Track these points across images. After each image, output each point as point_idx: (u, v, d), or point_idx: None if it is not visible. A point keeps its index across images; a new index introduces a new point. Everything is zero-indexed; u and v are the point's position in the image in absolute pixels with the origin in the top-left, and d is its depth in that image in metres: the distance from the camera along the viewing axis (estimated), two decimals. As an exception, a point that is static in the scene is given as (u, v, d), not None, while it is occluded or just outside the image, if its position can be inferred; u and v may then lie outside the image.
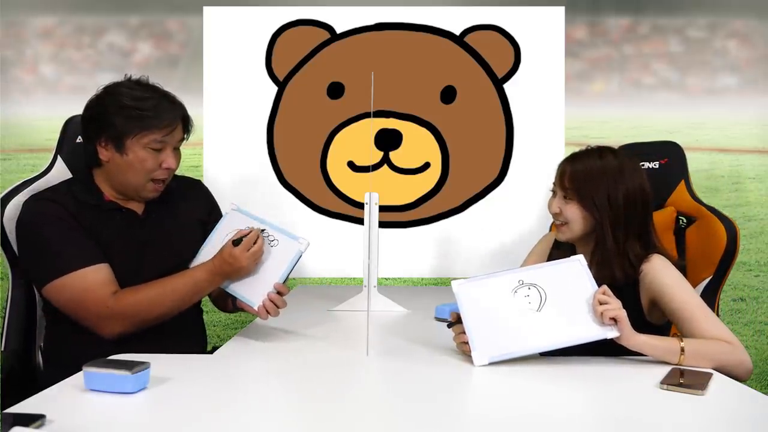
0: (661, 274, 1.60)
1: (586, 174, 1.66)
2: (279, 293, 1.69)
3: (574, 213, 1.67)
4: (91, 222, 1.72)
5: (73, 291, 1.66)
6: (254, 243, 1.69)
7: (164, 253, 1.79)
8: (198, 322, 1.94)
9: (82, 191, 1.76)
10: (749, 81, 3.20)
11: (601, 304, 1.46)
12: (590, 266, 1.58)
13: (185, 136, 1.81)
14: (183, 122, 1.79)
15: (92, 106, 1.75)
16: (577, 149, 1.75)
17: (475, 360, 1.46)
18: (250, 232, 1.70)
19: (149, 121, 1.71)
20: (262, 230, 1.73)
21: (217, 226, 1.84)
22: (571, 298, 1.51)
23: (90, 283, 1.66)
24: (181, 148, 1.81)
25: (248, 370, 1.52)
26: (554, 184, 1.74)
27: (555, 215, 1.72)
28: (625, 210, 1.63)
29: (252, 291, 1.72)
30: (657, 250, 1.65)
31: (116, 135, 1.71)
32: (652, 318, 1.65)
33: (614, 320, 1.45)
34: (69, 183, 1.81)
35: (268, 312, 1.69)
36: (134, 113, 1.71)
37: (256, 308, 1.70)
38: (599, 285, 1.51)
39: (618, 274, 1.62)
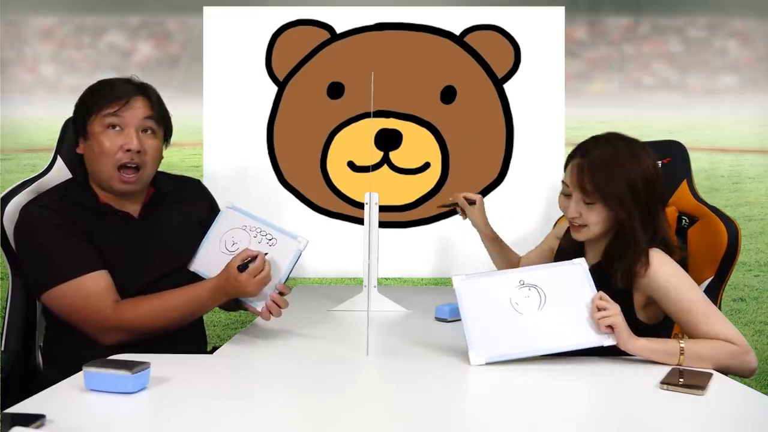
0: (660, 273, 1.53)
1: (603, 169, 1.55)
2: (281, 293, 1.69)
3: (598, 216, 1.58)
4: (87, 226, 1.71)
5: (72, 299, 1.65)
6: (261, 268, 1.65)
7: (162, 256, 1.78)
8: (198, 322, 1.93)
9: (78, 194, 1.75)
10: (749, 81, 3.20)
11: (599, 309, 1.45)
12: (602, 262, 1.55)
13: (154, 119, 1.75)
14: (146, 100, 1.74)
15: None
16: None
17: (471, 359, 1.46)
18: (256, 256, 1.65)
19: (100, 97, 1.71)
20: (260, 231, 1.73)
21: (212, 225, 1.83)
22: (571, 302, 1.51)
23: (88, 291, 1.65)
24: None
25: (248, 370, 1.52)
26: (566, 183, 1.62)
27: (573, 218, 1.62)
28: (646, 197, 1.55)
29: None
30: (656, 243, 1.57)
31: (81, 122, 1.73)
32: (646, 317, 1.60)
33: (611, 327, 1.44)
34: (66, 186, 1.80)
35: (271, 313, 1.69)
36: (89, 94, 1.74)
37: (259, 310, 1.70)
38: (606, 283, 1.51)
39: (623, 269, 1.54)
